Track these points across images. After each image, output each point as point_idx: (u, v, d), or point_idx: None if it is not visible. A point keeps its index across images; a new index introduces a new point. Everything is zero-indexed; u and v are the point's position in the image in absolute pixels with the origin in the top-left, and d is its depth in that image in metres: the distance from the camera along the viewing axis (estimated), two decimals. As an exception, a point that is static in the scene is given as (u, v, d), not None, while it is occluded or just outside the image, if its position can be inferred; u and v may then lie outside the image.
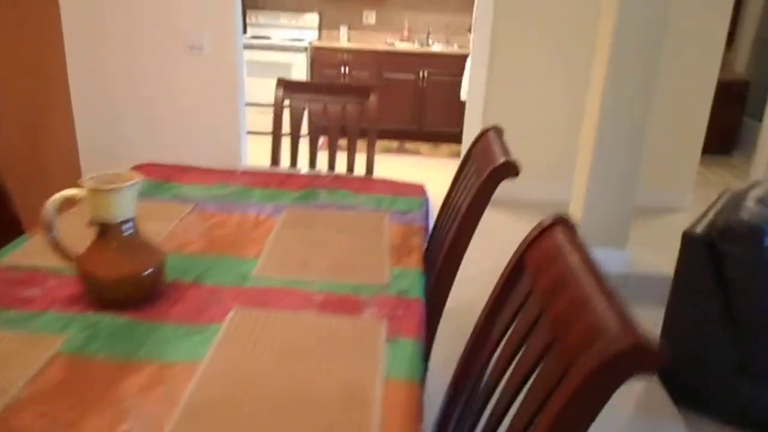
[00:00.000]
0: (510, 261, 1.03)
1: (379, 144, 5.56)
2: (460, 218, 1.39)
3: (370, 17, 5.90)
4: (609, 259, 3.11)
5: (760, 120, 4.55)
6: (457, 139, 5.61)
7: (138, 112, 3.05)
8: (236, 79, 2.97)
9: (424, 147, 5.58)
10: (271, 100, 5.49)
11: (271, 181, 2.01)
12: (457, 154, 5.33)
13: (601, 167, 3.00)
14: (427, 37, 5.83)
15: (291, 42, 5.45)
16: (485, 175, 1.34)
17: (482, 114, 4.02)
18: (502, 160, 1.32)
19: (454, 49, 5.67)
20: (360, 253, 1.51)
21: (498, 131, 1.61)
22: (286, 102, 2.32)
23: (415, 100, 5.56)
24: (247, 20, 5.86)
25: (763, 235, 2.02)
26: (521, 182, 4.16)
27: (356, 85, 2.29)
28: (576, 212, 3.18)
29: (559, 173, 4.04)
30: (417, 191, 2.00)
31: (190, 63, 2.97)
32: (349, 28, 5.89)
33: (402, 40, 5.87)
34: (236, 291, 1.31)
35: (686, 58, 3.90)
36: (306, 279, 1.37)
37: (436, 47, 5.75)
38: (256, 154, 4.03)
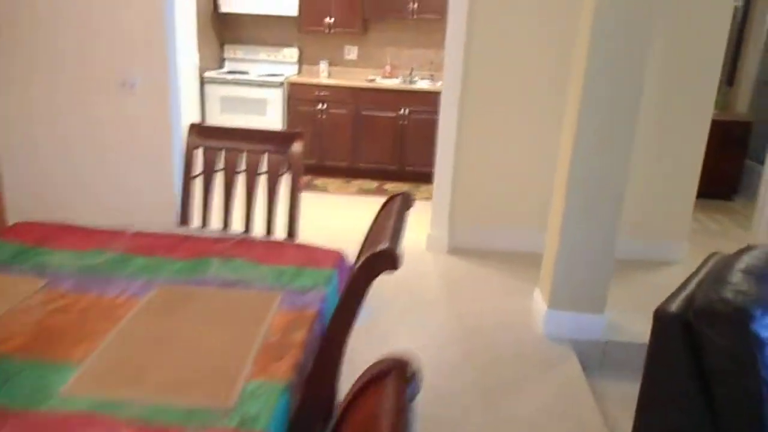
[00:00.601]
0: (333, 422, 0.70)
1: (357, 184, 5.28)
2: (333, 316, 1.07)
3: (351, 52, 5.68)
4: (584, 326, 2.76)
5: (763, 163, 4.22)
6: (439, 179, 5.35)
7: (65, 153, 2.79)
8: (170, 120, 2.70)
9: (404, 188, 5.29)
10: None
11: (159, 245, 1.71)
12: (439, 196, 5.02)
13: (573, 220, 2.68)
14: (410, 74, 5.59)
15: (267, 78, 5.23)
16: (360, 262, 1.03)
17: (454, 155, 3.72)
18: (382, 247, 1.01)
19: (437, 86, 5.40)
20: (216, 357, 1.19)
21: (406, 200, 1.30)
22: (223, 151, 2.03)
23: (395, 139, 5.29)
24: (225, 55, 5.67)
25: (749, 319, 1.68)
26: (497, 229, 3.83)
27: (278, 132, 2.01)
28: (547, 271, 2.84)
29: (538, 222, 3.71)
30: (331, 260, 1.69)
31: (121, 101, 2.71)
32: (330, 64, 5.68)
33: (384, 76, 5.63)
34: (25, 417, 0.99)
35: (677, 96, 3.60)
36: (127, 399, 1.05)
37: (420, 84, 5.50)
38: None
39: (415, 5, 5.21)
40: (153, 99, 2.68)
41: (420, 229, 4.06)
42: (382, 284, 3.27)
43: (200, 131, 2.01)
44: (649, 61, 3.01)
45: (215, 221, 2.06)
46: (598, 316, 2.75)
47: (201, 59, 5.24)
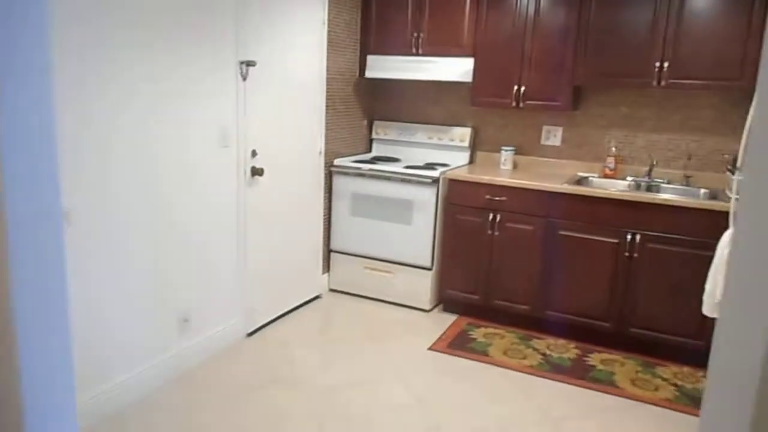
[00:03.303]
0: None
1: (541, 347, 3.21)
2: None
3: (553, 135, 3.76)
4: None
5: None
6: (697, 360, 3.08)
7: None
8: None
9: (625, 367, 3.07)
10: (383, 252, 3.56)
11: None
12: (696, 400, 2.74)
13: None
14: (650, 172, 3.44)
15: (417, 171, 3.56)
16: None
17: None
18: None
19: (697, 198, 3.21)
20: None
21: None
22: None
23: (615, 281, 3.16)
24: (374, 134, 4.18)
25: None
26: None
27: None
28: None
29: None
30: None
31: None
32: (518, 152, 3.82)
33: (604, 174, 3.57)
34: None
35: None
36: None
37: (665, 192, 3.34)
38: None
39: (666, 65, 3.13)
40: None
41: None
42: None
43: None
44: None
45: None
46: None
47: (336, 140, 3.80)
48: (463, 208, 3.47)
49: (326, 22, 3.49)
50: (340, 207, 3.78)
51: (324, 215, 3.77)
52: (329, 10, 3.50)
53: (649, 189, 3.35)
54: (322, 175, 3.69)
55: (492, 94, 3.57)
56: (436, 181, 3.47)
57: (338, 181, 3.76)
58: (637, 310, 3.14)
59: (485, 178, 3.40)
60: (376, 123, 4.17)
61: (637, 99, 3.52)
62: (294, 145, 3.38)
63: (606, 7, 3.23)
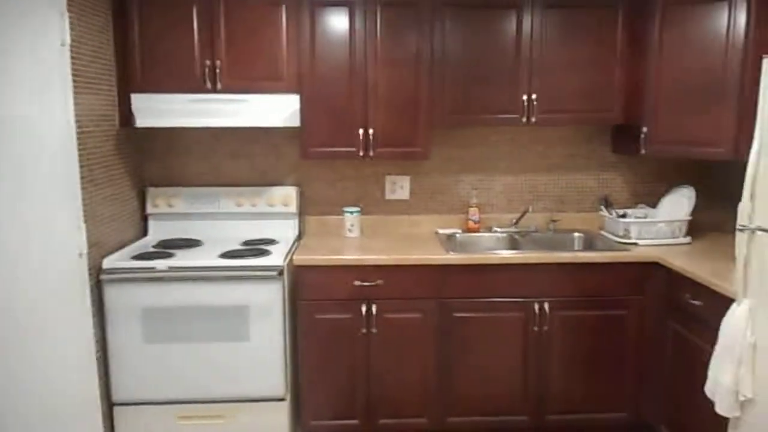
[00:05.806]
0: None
1: (463, 478, 2.42)
2: None
3: (400, 187, 3.01)
4: None
5: None
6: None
7: None
8: None
9: (559, 469, 2.47)
10: (207, 390, 2.32)
11: None
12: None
13: None
14: (518, 221, 2.95)
15: (250, 261, 2.42)
16: None
17: None
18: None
19: (591, 250, 2.84)
20: None
21: None
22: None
23: (526, 363, 2.55)
24: (149, 209, 2.83)
25: None
26: None
27: None
28: None
29: None
30: None
31: None
32: (363, 211, 2.97)
33: (468, 228, 2.98)
34: None
35: None
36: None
37: (540, 242, 2.89)
38: None
39: (534, 97, 2.67)
40: None
41: None
42: None
43: None
44: None
45: None
46: None
47: (100, 228, 2.38)
48: (323, 304, 2.46)
49: (68, 43, 2.11)
50: (123, 333, 2.37)
51: (96, 352, 2.31)
52: (71, 27, 2.13)
53: (534, 247, 2.85)
54: (87, 291, 2.24)
55: (331, 143, 2.65)
56: (282, 272, 2.38)
57: (115, 294, 2.35)
58: (552, 392, 2.58)
59: (351, 258, 2.45)
60: (150, 191, 2.83)
61: (488, 138, 3.01)
62: (37, 259, 1.91)
63: (459, 31, 2.63)
